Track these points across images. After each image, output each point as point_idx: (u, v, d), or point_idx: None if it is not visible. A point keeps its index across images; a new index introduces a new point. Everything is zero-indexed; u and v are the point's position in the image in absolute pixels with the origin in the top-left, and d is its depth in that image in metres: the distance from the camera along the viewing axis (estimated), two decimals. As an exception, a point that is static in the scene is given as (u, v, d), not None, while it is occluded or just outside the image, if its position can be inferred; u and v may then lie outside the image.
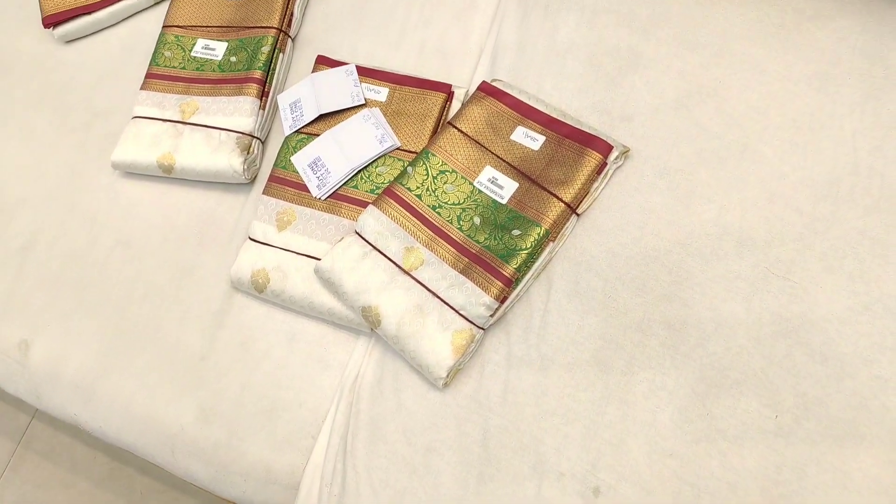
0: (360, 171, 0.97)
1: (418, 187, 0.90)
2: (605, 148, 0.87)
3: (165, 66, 1.09)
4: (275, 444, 0.92)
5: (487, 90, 0.95)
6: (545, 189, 0.86)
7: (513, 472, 0.81)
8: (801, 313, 0.79)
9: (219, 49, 1.07)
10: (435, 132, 0.97)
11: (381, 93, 1.01)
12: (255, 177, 1.05)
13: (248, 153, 1.01)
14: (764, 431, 0.75)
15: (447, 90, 1.00)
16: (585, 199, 0.87)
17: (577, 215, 0.86)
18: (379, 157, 0.97)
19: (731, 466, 0.75)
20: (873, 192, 0.82)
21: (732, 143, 0.88)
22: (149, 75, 1.09)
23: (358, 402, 0.89)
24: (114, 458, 1.46)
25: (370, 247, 0.89)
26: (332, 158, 0.97)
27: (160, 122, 1.06)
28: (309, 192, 0.97)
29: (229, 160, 1.00)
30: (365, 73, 1.03)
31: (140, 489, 1.43)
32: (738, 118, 0.89)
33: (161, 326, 1.01)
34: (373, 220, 0.89)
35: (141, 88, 1.09)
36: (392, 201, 0.89)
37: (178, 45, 1.10)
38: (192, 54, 1.08)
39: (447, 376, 0.83)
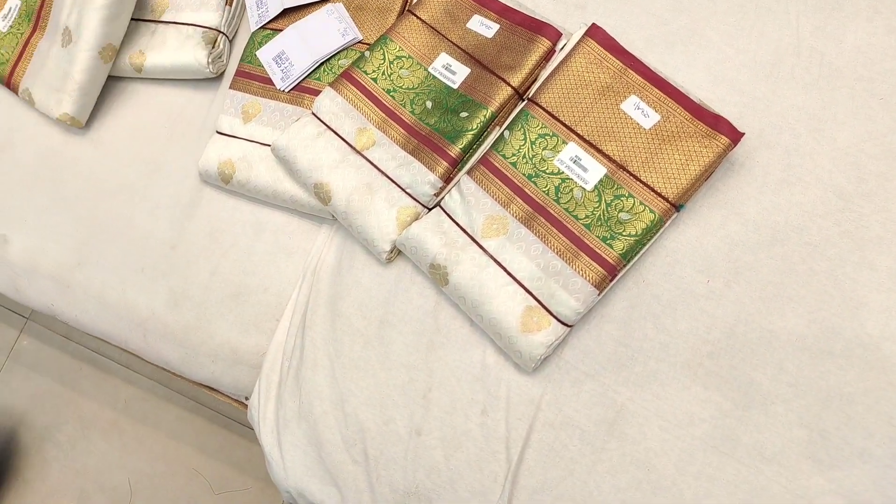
0: (322, 64, 0.99)
1: (374, 71, 0.92)
2: (555, 35, 0.89)
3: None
4: (241, 326, 0.96)
5: (448, -21, 0.97)
6: (495, 74, 0.89)
7: (461, 340, 0.85)
8: (735, 185, 0.82)
9: (186, -53, 1.09)
10: (396, 24, 0.99)
11: (344, -12, 1.03)
12: (223, 73, 1.07)
13: (213, 47, 1.04)
14: (696, 295, 0.79)
15: (409, -14, 1.02)
16: (533, 85, 0.89)
17: (523, 99, 0.89)
18: (341, 50, 0.99)
19: (663, 328, 0.79)
20: (812, 70, 0.84)
21: (680, 28, 0.90)
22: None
23: (318, 283, 0.93)
24: (99, 369, 1.51)
25: (325, 126, 0.92)
26: (295, 52, 1.00)
27: (133, 21, 1.08)
28: (274, 85, 1.00)
29: (195, 54, 1.02)
30: (329, -31, 1.04)
31: (124, 397, 1.48)
32: (686, 4, 0.91)
33: (132, 219, 1.04)
34: (328, 101, 0.92)
35: (112, -11, 1.10)
36: (348, 84, 0.92)
37: (147, -55, 1.11)
38: (161, -46, 1.10)
39: (390, 251, 0.87)
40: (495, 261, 0.82)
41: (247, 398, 1.00)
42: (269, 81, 1.00)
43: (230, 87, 1.02)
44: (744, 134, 0.77)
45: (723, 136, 0.78)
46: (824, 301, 0.76)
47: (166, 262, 1.01)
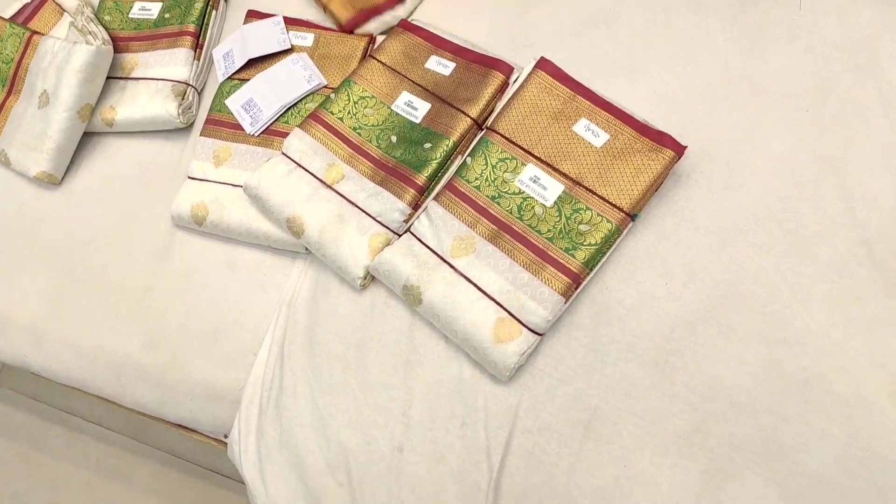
0: (290, 108, 1.04)
1: (340, 111, 0.98)
2: (507, 69, 0.96)
3: (106, 28, 1.16)
4: (218, 363, 0.98)
5: (406, 26, 1.04)
6: (454, 107, 0.95)
7: (438, 356, 0.87)
8: (684, 195, 0.88)
9: (154, 9, 1.15)
10: (359, 69, 1.05)
11: (307, 39, 1.10)
12: (192, 123, 1.12)
13: (182, 99, 1.08)
14: (656, 297, 0.84)
15: (369, 35, 1.09)
16: (490, 115, 0.95)
17: (482, 128, 0.95)
18: (308, 95, 1.05)
19: (629, 330, 0.83)
20: (743, 90, 0.92)
21: (621, 60, 0.98)
22: (89, 38, 1.16)
23: (294, 314, 0.95)
24: (69, 429, 1.48)
25: (295, 164, 0.96)
26: (263, 98, 1.05)
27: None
28: (243, 130, 1.04)
29: (165, 106, 1.07)
30: (292, 22, 1.11)
31: (96, 456, 1.45)
32: (625, 40, 0.99)
33: (106, 266, 1.06)
34: (297, 141, 0.97)
35: (82, 50, 1.15)
36: (316, 124, 0.97)
37: (116, 9, 1.17)
38: (130, 16, 1.16)
39: (364, 277, 0.90)
40: (466, 278, 0.85)
41: (226, 436, 1.00)
42: (239, 127, 1.05)
43: (200, 135, 1.06)
44: (686, 147, 0.84)
45: (667, 150, 0.84)
46: (774, 294, 0.81)
47: (141, 305, 1.02)
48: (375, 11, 1.10)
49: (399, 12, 1.10)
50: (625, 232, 0.84)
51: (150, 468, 1.40)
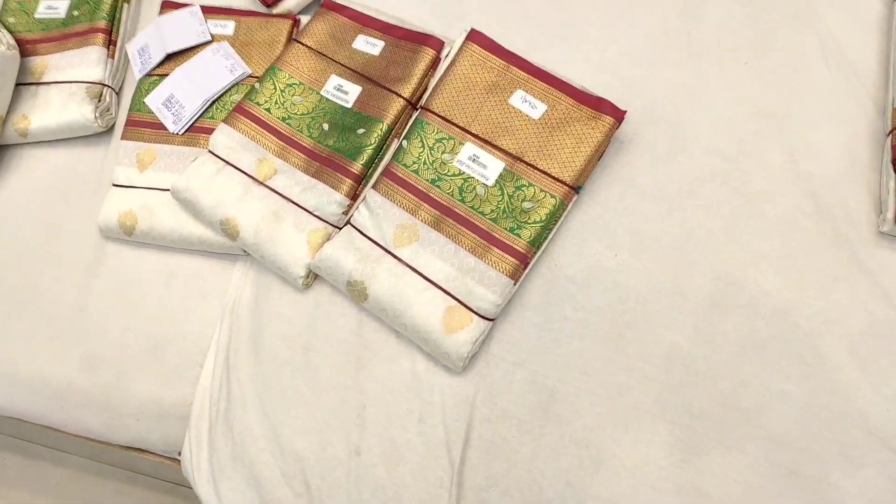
0: (214, 102, 0.99)
1: (267, 101, 0.93)
2: (438, 44, 0.92)
3: (11, 31, 1.08)
4: (163, 378, 0.93)
5: (329, 6, 0.99)
6: (386, 88, 0.90)
7: (389, 352, 0.84)
8: (627, 162, 0.85)
9: (61, 7, 1.08)
10: (283, 55, 1.00)
11: (227, 26, 1.04)
12: (112, 126, 1.05)
13: (99, 101, 1.01)
14: (607, 270, 0.81)
15: (292, 17, 1.03)
16: (424, 94, 0.91)
17: (416, 108, 0.90)
18: (232, 86, 0.99)
19: (580, 306, 0.80)
20: (682, 48, 0.89)
21: (558, 26, 0.94)
22: (-7, 43, 1.08)
23: (238, 320, 0.91)
24: (24, 456, 1.42)
25: (223, 162, 0.91)
26: (184, 93, 0.99)
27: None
28: (166, 129, 0.98)
29: (80, 110, 1.00)
30: (210, 10, 1.05)
31: (55, 481, 1.39)
32: (561, 5, 0.95)
33: (36, 286, 1.00)
34: (224, 137, 0.91)
35: (-14, 57, 1.07)
36: (242, 117, 0.92)
37: (21, 10, 1.09)
38: (36, 16, 1.08)
39: (306, 276, 0.86)
40: (411, 268, 0.82)
41: (180, 453, 0.96)
42: (162, 127, 0.99)
43: (122, 138, 1.00)
44: (626, 112, 0.81)
45: (607, 116, 0.81)
46: (724, 258, 0.80)
47: (76, 326, 0.97)
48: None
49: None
50: (570, 206, 0.81)
51: (113, 487, 1.35)
